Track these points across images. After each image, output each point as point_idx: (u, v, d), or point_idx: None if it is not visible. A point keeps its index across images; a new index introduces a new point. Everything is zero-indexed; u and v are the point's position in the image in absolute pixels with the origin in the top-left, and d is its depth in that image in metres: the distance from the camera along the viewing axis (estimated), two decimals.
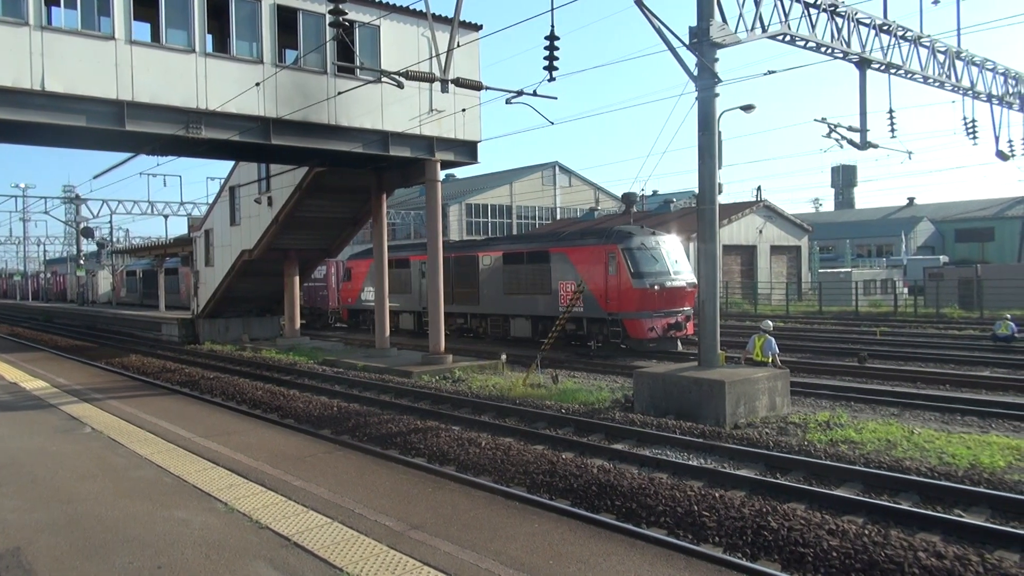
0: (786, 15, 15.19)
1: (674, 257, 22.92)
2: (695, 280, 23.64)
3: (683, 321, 22.24)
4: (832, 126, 17.66)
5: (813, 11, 15.80)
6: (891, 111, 19.19)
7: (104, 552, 6.60)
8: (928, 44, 18.65)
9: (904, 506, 8.35)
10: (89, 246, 67.26)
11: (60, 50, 15.21)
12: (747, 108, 28.40)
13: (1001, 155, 22.62)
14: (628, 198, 47.53)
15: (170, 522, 7.39)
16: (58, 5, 15.82)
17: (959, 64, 19.82)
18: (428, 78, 15.55)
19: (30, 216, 73.07)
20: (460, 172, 68.23)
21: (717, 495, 8.53)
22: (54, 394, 16.43)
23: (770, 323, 16.63)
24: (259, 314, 31.63)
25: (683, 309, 22.50)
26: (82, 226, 59.29)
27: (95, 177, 65.95)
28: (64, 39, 15.33)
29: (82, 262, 62.61)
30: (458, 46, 16.12)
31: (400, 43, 19.96)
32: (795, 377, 15.69)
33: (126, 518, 7.54)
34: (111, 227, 61.69)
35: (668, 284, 22.04)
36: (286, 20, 18.62)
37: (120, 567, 6.26)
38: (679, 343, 22.84)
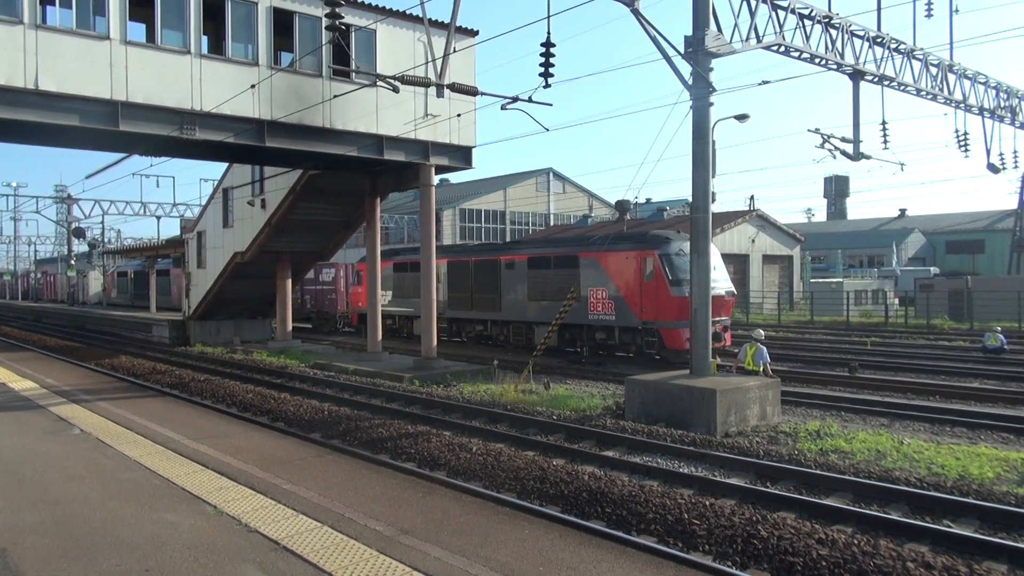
0: (781, 26, 15.29)
1: (712, 263, 21.84)
2: (734, 289, 22.56)
3: (721, 332, 20.97)
4: (825, 137, 17.76)
5: (808, 22, 15.91)
6: (884, 123, 19.35)
7: (92, 554, 6.56)
8: (921, 57, 18.80)
9: (893, 516, 8.36)
10: (80, 246, 66.97)
11: (54, 49, 15.16)
12: (741, 118, 28.53)
13: (992, 168, 22.80)
14: (622, 205, 47.63)
15: (159, 524, 7.34)
16: (53, 4, 15.77)
17: (952, 77, 19.98)
18: (423, 83, 15.56)
19: (21, 215, 72.72)
20: (454, 177, 68.33)
21: (707, 503, 8.53)
22: (43, 395, 16.33)
23: (761, 332, 16.68)
24: (251, 316, 31.54)
25: (721, 319, 21.23)
26: (73, 226, 58.97)
27: (87, 177, 65.94)
28: (59, 38, 15.27)
29: (73, 262, 62.29)
30: (454, 51, 16.14)
31: (396, 47, 19.98)
32: (786, 386, 15.72)
33: (114, 520, 7.50)
34: (103, 227, 61.33)
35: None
36: (282, 23, 18.62)
37: (108, 569, 6.22)
38: (717, 355, 21.22)
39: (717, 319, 20.80)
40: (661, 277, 20.77)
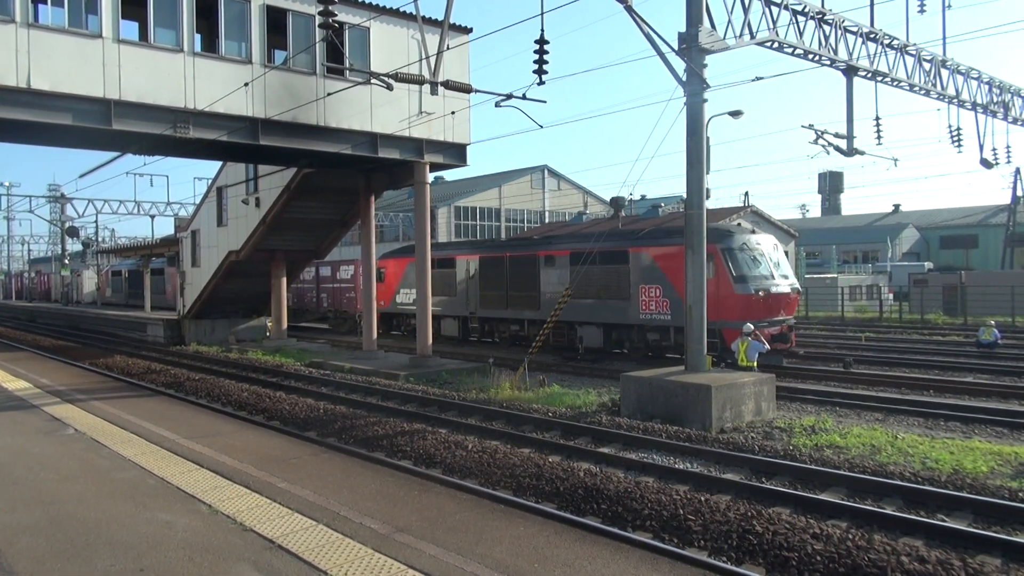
0: (774, 22, 15.31)
1: (775, 259, 20.44)
2: (799, 285, 21.46)
3: (787, 332, 19.82)
4: (819, 132, 17.81)
5: (801, 19, 15.93)
6: (877, 118, 19.38)
7: (86, 554, 6.54)
8: (914, 52, 18.84)
9: (887, 511, 8.39)
10: (74, 246, 66.79)
11: (47, 47, 15.10)
12: (735, 114, 28.58)
13: (985, 163, 22.87)
14: (616, 202, 47.57)
15: (153, 524, 7.33)
16: (45, 3, 15.72)
17: (944, 73, 20.03)
18: (418, 80, 15.54)
19: (14, 215, 72.34)
20: (449, 175, 68.23)
21: (703, 499, 8.55)
22: (36, 394, 16.28)
23: (751, 326, 16.65)
24: (246, 315, 31.45)
25: (787, 318, 20.21)
26: (67, 225, 58.86)
27: (81, 176, 65.76)
28: (51, 37, 15.22)
29: (67, 262, 62.09)
30: (448, 49, 16.11)
31: (390, 45, 19.95)
32: (781, 382, 15.74)
33: (109, 520, 7.48)
34: (96, 227, 61.20)
35: (773, 290, 19.48)
36: (275, 20, 18.57)
37: (102, 569, 6.20)
38: (783, 358, 19.80)
39: (782, 318, 19.94)
40: (723, 273, 19.11)
